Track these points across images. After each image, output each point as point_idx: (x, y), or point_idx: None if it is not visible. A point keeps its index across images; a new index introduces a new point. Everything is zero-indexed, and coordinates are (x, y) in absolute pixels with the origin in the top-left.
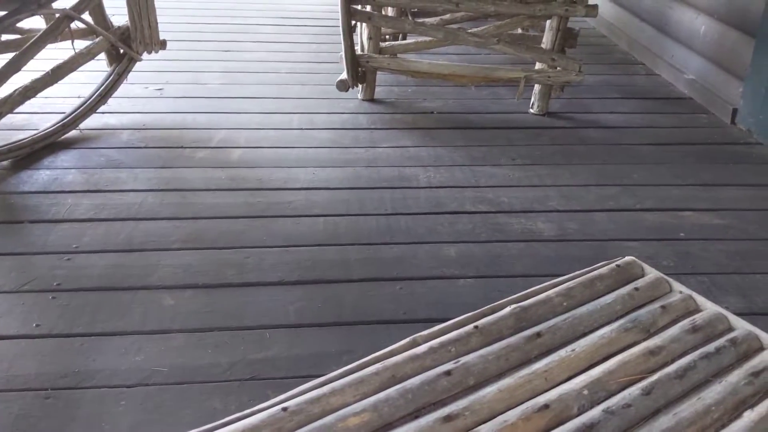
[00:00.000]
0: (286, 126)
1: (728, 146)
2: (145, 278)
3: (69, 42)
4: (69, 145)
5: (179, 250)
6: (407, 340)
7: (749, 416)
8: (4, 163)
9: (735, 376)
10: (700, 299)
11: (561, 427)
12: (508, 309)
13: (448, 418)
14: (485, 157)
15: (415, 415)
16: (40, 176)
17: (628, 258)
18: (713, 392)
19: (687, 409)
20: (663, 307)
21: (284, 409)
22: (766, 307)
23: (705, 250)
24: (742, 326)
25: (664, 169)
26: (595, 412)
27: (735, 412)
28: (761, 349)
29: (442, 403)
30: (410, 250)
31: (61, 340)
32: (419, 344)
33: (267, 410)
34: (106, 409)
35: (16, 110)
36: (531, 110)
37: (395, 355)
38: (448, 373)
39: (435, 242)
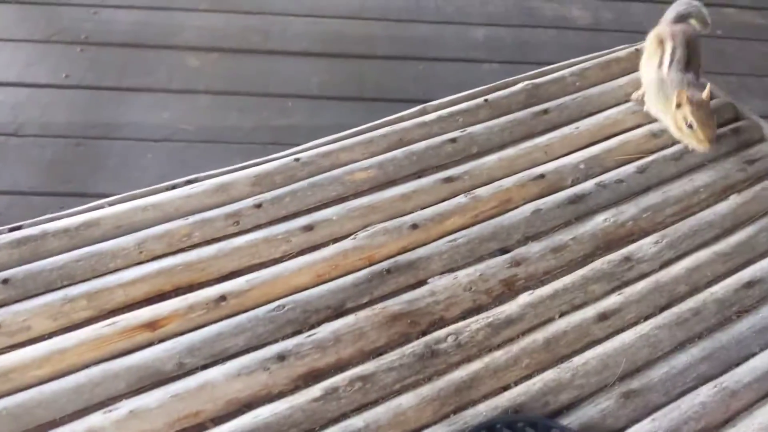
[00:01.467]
0: None
1: None
2: (171, 38)
3: None
4: None
5: (205, 11)
6: (417, 108)
7: (734, 199)
8: None
9: (730, 163)
10: (713, 87)
11: (553, 196)
12: (520, 85)
13: (448, 180)
14: None
15: (418, 174)
16: None
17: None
18: (705, 175)
19: (677, 188)
20: None
21: (296, 160)
22: None
23: (741, 50)
24: (748, 116)
25: None
26: (588, 185)
27: (722, 195)
28: (762, 140)
29: (445, 167)
30: (437, 30)
31: (90, 92)
32: (429, 112)
33: (281, 159)
34: (134, 160)
35: None
36: None
37: (405, 120)
38: (453, 140)
39: (464, 23)
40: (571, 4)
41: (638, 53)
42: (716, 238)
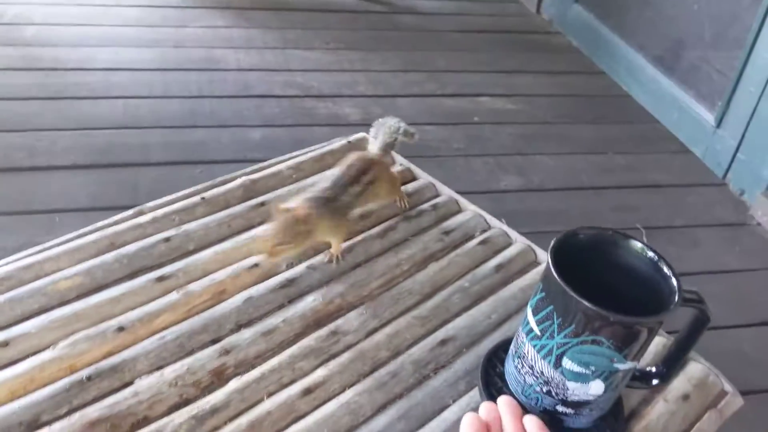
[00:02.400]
0: (88, 2)
1: (530, 35)
2: None
3: None
4: None
5: None
6: (132, 210)
7: (433, 267)
8: None
9: (429, 236)
10: (415, 169)
11: (266, 282)
12: (238, 181)
13: (160, 279)
14: (299, 41)
15: (130, 277)
16: None
17: (360, 134)
18: (408, 249)
19: (381, 262)
20: None
21: None
22: (541, 184)
23: (495, 133)
24: (446, 193)
25: (469, 56)
26: (300, 268)
27: (423, 265)
28: (458, 212)
29: (159, 266)
30: (214, 133)
31: None
32: (145, 213)
33: None
34: None
35: None
36: None
37: (118, 224)
38: (167, 239)
39: (240, 126)
40: (344, 102)
41: (350, 145)
42: (416, 304)
